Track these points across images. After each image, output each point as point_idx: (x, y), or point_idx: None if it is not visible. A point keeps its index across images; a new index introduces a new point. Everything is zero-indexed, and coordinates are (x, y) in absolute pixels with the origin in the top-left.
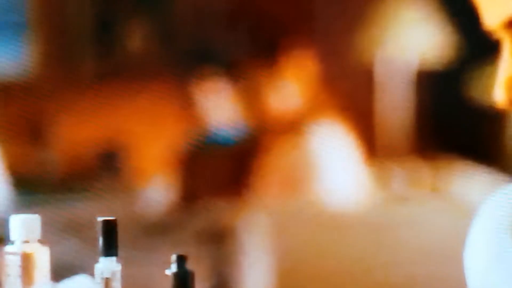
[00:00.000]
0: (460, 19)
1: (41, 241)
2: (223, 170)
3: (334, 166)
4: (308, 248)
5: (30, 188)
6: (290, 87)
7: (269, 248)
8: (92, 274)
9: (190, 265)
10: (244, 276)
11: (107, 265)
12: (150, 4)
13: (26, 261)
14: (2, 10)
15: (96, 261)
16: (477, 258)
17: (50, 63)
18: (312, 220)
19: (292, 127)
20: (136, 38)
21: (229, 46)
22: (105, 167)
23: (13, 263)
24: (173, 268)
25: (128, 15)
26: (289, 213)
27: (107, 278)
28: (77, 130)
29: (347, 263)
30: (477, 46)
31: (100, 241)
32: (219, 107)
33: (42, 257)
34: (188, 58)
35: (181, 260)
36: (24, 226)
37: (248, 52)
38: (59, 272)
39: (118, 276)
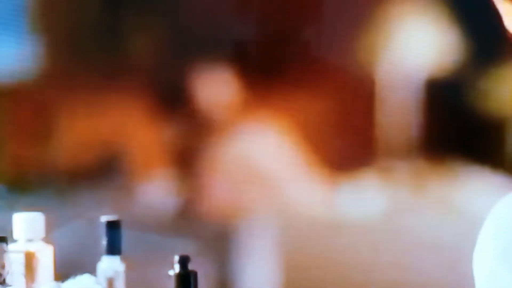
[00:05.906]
0: (469, 24)
1: (45, 240)
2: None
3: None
4: (313, 252)
5: (34, 186)
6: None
7: (273, 250)
8: (95, 273)
9: (192, 266)
10: (248, 278)
11: (110, 265)
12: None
13: (29, 260)
14: (7, 10)
15: (100, 261)
16: (485, 263)
17: (56, 62)
18: (318, 223)
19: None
20: (142, 36)
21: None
22: (110, 167)
23: (16, 261)
24: (176, 268)
25: (133, 13)
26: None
27: (110, 278)
28: (82, 129)
29: (351, 268)
30: (486, 52)
31: (104, 240)
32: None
33: (46, 256)
34: (192, 49)
35: (184, 261)
36: (28, 224)
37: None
38: (63, 271)
39: (122, 275)
